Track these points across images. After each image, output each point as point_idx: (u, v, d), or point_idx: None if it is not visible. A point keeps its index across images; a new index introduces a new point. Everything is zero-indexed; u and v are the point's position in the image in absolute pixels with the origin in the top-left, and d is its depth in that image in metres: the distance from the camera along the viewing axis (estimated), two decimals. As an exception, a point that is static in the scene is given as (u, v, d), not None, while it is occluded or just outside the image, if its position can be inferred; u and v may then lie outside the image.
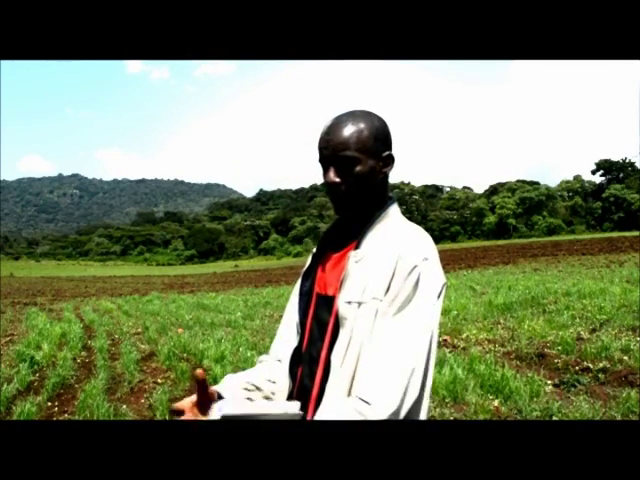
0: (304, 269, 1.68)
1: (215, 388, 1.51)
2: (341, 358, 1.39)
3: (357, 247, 1.48)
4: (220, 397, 1.47)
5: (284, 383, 1.59)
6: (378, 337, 1.34)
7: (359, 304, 1.39)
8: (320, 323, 1.52)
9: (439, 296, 1.40)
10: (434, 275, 1.40)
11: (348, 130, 1.46)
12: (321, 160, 1.52)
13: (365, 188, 1.49)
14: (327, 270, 1.57)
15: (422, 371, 1.33)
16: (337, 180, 1.47)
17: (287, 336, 1.69)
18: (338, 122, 1.48)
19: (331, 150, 1.46)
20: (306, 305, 1.60)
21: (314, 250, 1.69)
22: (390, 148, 1.54)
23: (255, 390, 1.59)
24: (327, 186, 1.50)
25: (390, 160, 1.54)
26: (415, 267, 1.37)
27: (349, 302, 1.41)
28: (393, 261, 1.39)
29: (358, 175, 1.46)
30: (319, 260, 1.63)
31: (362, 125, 1.47)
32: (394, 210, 1.57)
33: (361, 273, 1.43)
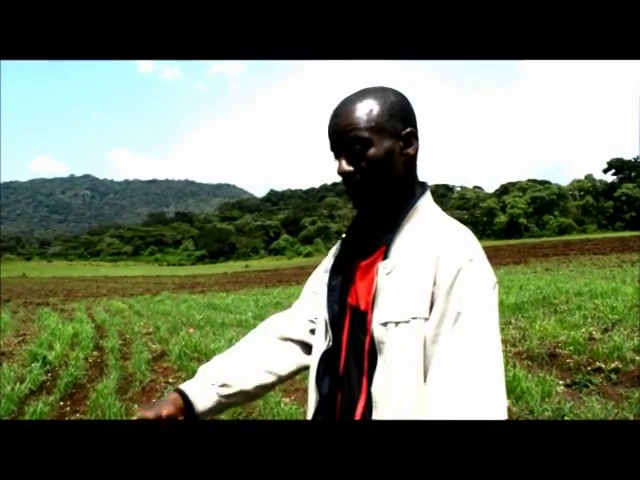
0: (330, 262, 1.47)
1: (183, 388, 1.42)
2: (383, 391, 1.19)
3: (386, 256, 1.25)
4: (187, 402, 1.38)
5: (311, 392, 1.42)
6: (442, 361, 1.12)
7: (396, 324, 1.18)
8: (356, 344, 1.31)
9: (493, 297, 1.17)
10: (483, 276, 1.17)
11: (356, 109, 1.25)
12: (331, 148, 1.31)
13: (384, 174, 1.26)
14: (357, 279, 1.35)
15: (501, 375, 1.12)
16: (349, 169, 1.26)
17: (303, 316, 1.57)
18: (345, 102, 1.29)
19: (339, 134, 1.27)
20: (336, 305, 1.39)
21: (333, 251, 1.49)
22: (412, 125, 1.30)
23: (233, 389, 1.46)
24: (341, 177, 1.29)
25: (412, 139, 1.29)
26: (459, 272, 1.15)
27: (385, 323, 1.19)
28: (432, 270, 1.17)
29: (372, 159, 1.24)
30: (347, 265, 1.40)
31: (373, 101, 1.26)
32: (426, 202, 1.32)
33: (395, 287, 1.21)
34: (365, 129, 1.23)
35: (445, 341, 1.13)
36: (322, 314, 1.43)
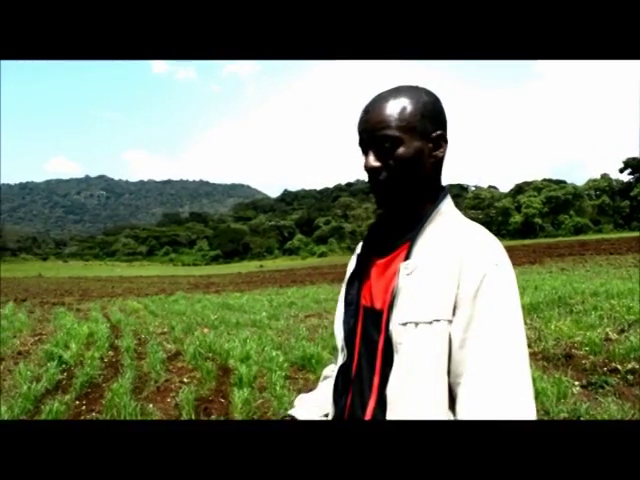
0: (348, 273, 1.47)
1: (292, 414, 1.49)
2: (400, 391, 1.17)
3: (407, 257, 1.23)
4: None
5: (330, 407, 1.44)
6: (473, 366, 1.11)
7: (416, 324, 1.16)
8: (368, 343, 1.31)
9: (518, 300, 1.19)
10: (508, 281, 1.17)
11: (389, 106, 1.25)
12: (360, 144, 1.31)
13: (411, 175, 1.25)
14: (373, 278, 1.34)
15: (530, 378, 1.13)
16: (377, 165, 1.25)
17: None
18: (378, 99, 1.28)
19: (369, 130, 1.26)
20: (352, 319, 1.38)
21: (358, 250, 1.47)
22: (443, 128, 1.30)
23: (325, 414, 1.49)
24: (367, 174, 1.28)
25: (442, 141, 1.29)
26: (485, 277, 1.13)
27: (404, 323, 1.17)
28: (455, 272, 1.16)
29: (401, 158, 1.23)
30: (364, 265, 1.40)
31: (405, 100, 1.25)
32: (447, 206, 1.31)
33: (416, 288, 1.19)
34: (396, 128, 1.23)
35: (474, 346, 1.12)
36: (338, 329, 1.43)
